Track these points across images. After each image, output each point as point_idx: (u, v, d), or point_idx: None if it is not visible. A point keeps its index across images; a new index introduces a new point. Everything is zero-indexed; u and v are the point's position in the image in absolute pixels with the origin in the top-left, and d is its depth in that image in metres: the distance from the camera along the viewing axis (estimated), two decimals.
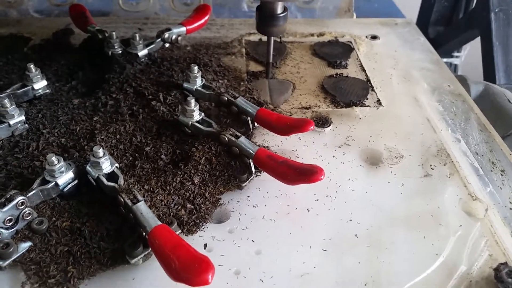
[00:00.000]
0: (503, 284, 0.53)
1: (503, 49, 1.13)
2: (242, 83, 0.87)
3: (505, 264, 0.55)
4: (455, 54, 1.53)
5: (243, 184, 0.66)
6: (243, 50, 1.01)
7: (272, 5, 0.78)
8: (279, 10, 0.79)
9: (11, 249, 0.53)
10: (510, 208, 0.65)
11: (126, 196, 0.55)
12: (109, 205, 0.59)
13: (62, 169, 0.59)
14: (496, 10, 1.13)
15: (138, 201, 0.55)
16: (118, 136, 0.70)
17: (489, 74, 1.14)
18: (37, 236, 0.56)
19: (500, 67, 1.12)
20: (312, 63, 0.98)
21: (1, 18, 1.19)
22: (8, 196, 0.55)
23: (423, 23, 1.49)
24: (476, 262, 0.56)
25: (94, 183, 0.61)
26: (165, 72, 0.85)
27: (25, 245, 0.54)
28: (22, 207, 0.55)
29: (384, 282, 0.54)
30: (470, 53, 1.54)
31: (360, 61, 0.99)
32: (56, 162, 0.58)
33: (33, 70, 0.78)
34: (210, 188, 0.63)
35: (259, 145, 0.67)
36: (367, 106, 0.84)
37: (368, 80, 0.92)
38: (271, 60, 0.88)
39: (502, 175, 0.70)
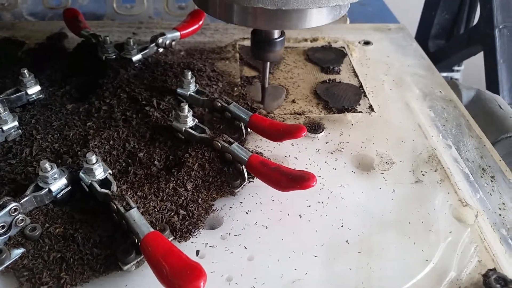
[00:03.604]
0: None
1: (507, 66, 1.10)
2: (235, 88, 0.88)
3: (494, 270, 0.56)
4: (456, 68, 1.50)
5: (236, 190, 0.66)
6: (237, 55, 1.02)
7: (269, 30, 0.74)
8: (276, 34, 0.75)
9: (3, 256, 0.53)
10: (500, 214, 0.65)
11: (119, 203, 0.56)
12: (102, 211, 0.59)
13: (55, 176, 0.60)
14: (501, 27, 1.10)
15: (131, 208, 0.55)
16: (111, 142, 0.70)
17: (493, 92, 1.12)
18: (30, 243, 0.56)
19: (505, 85, 1.10)
20: (305, 69, 0.99)
21: None
22: (1, 202, 0.55)
23: (423, 36, 1.45)
24: (466, 268, 0.57)
25: (87, 190, 0.61)
26: (159, 77, 0.85)
27: (18, 252, 0.55)
28: (15, 213, 0.55)
29: None
30: (467, 66, 1.52)
31: (352, 66, 1.00)
32: (49, 169, 0.59)
33: (27, 75, 0.78)
34: (203, 194, 0.64)
35: (252, 151, 0.67)
36: (359, 112, 0.85)
37: (361, 86, 0.93)
38: (266, 85, 0.85)
39: (492, 181, 0.71)
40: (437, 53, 1.41)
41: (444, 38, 1.45)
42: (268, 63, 0.81)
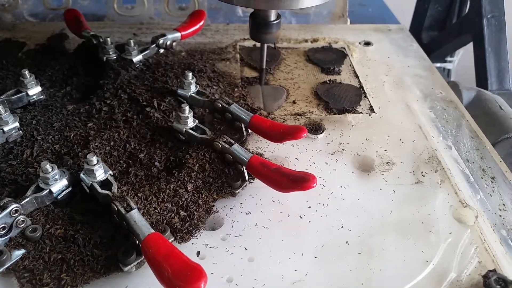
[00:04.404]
0: None
1: (495, 54, 1.14)
2: (236, 89, 0.88)
3: (494, 271, 0.56)
4: (448, 59, 1.53)
5: (236, 191, 0.66)
6: (238, 55, 1.02)
7: (266, 13, 0.78)
8: (273, 17, 0.79)
9: (4, 257, 0.53)
10: (500, 215, 0.65)
11: (119, 204, 0.56)
12: (102, 212, 0.59)
13: (56, 177, 0.60)
14: (489, 16, 1.14)
15: (132, 209, 0.55)
16: (112, 143, 0.70)
17: (481, 79, 1.16)
18: (31, 244, 0.56)
19: (492, 72, 1.14)
20: (305, 69, 0.99)
21: None
22: (2, 203, 0.55)
23: (416, 28, 1.49)
24: (466, 269, 0.57)
25: (88, 191, 0.61)
26: (160, 78, 0.85)
27: (18, 253, 0.55)
28: (16, 214, 0.56)
29: None
30: (463, 58, 1.55)
31: (353, 67, 1.00)
32: (50, 170, 0.59)
33: (28, 76, 0.78)
34: (203, 195, 0.64)
35: (252, 152, 0.67)
36: (360, 112, 0.85)
37: (361, 87, 0.93)
38: (264, 67, 0.89)
39: (492, 182, 0.71)
40: (430, 44, 1.45)
41: (437, 30, 1.49)
42: (265, 45, 0.86)
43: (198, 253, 0.58)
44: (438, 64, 1.51)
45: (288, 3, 0.71)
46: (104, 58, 0.89)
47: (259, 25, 0.80)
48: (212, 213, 0.63)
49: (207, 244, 0.59)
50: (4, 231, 0.55)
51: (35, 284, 0.52)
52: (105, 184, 0.60)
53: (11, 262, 0.54)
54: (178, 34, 0.94)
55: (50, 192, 0.59)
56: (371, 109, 0.86)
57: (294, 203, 0.65)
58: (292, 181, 0.60)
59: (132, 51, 0.88)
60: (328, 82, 0.94)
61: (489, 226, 0.63)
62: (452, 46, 1.39)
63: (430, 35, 1.48)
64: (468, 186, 0.70)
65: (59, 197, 0.61)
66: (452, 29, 1.37)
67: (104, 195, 0.58)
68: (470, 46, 1.27)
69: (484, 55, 1.14)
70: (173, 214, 0.60)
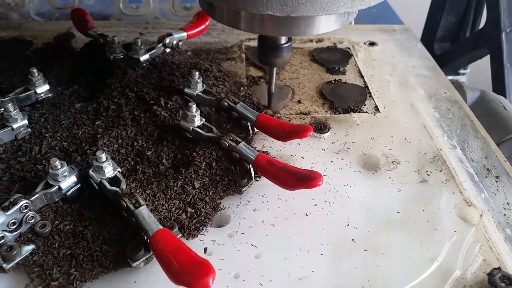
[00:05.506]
0: None
1: None
2: (242, 88, 0.88)
3: (499, 269, 0.56)
4: (461, 71, 1.49)
5: (243, 189, 0.67)
6: (243, 55, 1.02)
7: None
8: (283, 40, 0.73)
9: (14, 252, 0.54)
10: (504, 214, 0.66)
11: (128, 201, 0.56)
12: (111, 209, 0.60)
13: (65, 173, 0.60)
14: (508, 30, 1.10)
15: (140, 205, 0.56)
16: (120, 141, 0.71)
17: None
18: (40, 239, 0.57)
19: (511, 90, 1.10)
20: (310, 69, 1.00)
21: (2, 21, 1.21)
22: (12, 199, 0.56)
23: (428, 39, 1.45)
24: (471, 267, 0.58)
25: (97, 187, 0.62)
26: (166, 77, 0.86)
27: (28, 248, 0.55)
28: (26, 210, 0.56)
29: (380, 286, 0.55)
30: (474, 69, 1.50)
31: (358, 67, 1.00)
32: (59, 166, 0.59)
33: (36, 74, 0.79)
34: (210, 193, 0.64)
35: (258, 151, 0.68)
36: (365, 112, 0.86)
37: (366, 86, 0.93)
38: (273, 91, 0.84)
39: (496, 181, 0.72)
40: (442, 56, 1.40)
41: (450, 41, 1.44)
42: (275, 68, 0.80)
43: (205, 249, 0.58)
44: (451, 77, 1.46)
45: (301, 30, 0.64)
46: (111, 57, 0.89)
47: (268, 49, 0.74)
48: (219, 210, 0.64)
49: (214, 241, 0.60)
50: (14, 227, 0.56)
51: (45, 279, 0.53)
52: (114, 181, 0.61)
53: (21, 257, 0.55)
54: (184, 34, 0.94)
55: (59, 188, 0.60)
56: (376, 108, 0.87)
57: (300, 201, 0.66)
58: (298, 179, 0.60)
59: (139, 50, 0.89)
60: (333, 81, 0.95)
61: (493, 225, 0.64)
62: (466, 59, 1.34)
63: (443, 47, 1.43)
64: (472, 185, 0.70)
65: (68, 193, 0.61)
66: (466, 42, 1.32)
67: (113, 191, 0.59)
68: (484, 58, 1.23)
69: (503, 71, 1.10)
70: (180, 211, 0.61)
